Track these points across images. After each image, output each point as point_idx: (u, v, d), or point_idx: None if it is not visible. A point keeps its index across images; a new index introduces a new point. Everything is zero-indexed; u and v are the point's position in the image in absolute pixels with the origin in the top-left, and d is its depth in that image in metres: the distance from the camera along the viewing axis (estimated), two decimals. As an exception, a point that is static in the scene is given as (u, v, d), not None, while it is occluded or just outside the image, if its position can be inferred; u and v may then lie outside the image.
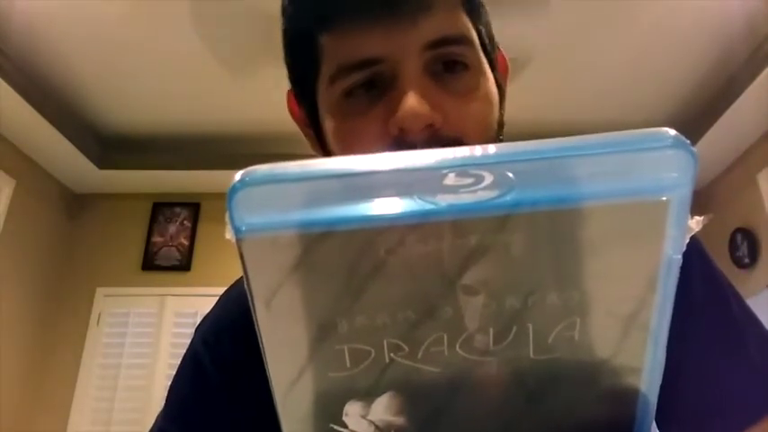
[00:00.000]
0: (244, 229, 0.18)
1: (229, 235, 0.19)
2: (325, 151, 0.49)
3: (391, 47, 0.42)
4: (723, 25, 2.42)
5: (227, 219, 0.18)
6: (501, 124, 0.48)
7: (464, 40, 0.45)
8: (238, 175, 0.18)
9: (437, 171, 0.18)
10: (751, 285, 2.79)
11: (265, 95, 2.76)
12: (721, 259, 2.99)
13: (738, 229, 3.01)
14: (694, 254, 0.47)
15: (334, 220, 0.18)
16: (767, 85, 2.51)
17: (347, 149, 0.45)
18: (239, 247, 0.19)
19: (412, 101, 0.41)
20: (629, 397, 0.22)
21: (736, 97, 2.64)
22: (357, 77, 0.44)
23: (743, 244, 2.98)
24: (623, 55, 2.60)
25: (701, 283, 0.46)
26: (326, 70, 0.45)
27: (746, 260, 2.93)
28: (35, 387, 3.01)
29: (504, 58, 0.54)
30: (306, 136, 0.53)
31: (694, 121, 2.95)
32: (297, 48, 0.49)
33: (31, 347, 3.05)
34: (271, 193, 0.18)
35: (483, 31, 0.48)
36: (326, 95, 0.46)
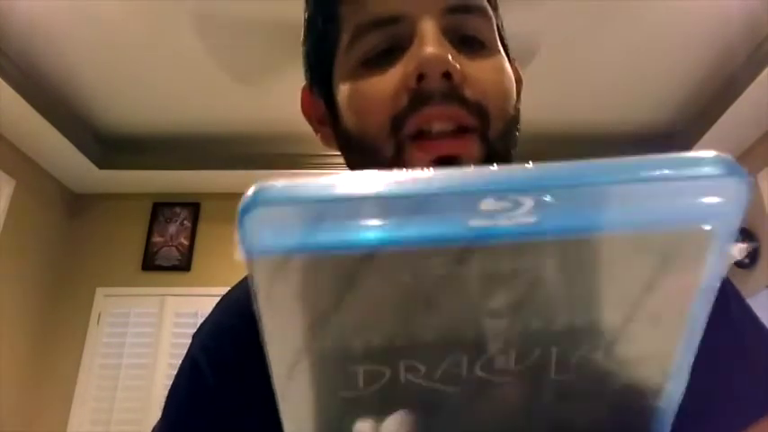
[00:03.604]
0: (256, 250, 0.17)
1: (239, 255, 0.17)
2: (340, 146, 0.49)
3: (410, 5, 0.43)
4: (723, 25, 2.42)
5: (236, 238, 0.17)
6: (517, 111, 0.48)
7: (484, 12, 0.45)
8: (250, 191, 0.17)
9: (470, 196, 0.17)
10: (751, 285, 2.79)
11: (266, 96, 2.76)
12: (721, 259, 2.98)
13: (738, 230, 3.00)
14: None
15: (356, 244, 0.17)
16: (767, 85, 2.51)
17: (362, 113, 0.44)
18: (250, 269, 0.18)
19: (432, 47, 0.41)
20: (649, 417, 0.22)
21: (736, 97, 2.64)
22: (375, 39, 0.44)
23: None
24: (623, 55, 2.59)
25: None
26: (345, 38, 0.46)
27: (746, 260, 2.93)
28: (35, 387, 3.00)
29: (517, 70, 0.54)
30: (316, 133, 0.53)
31: (694, 121, 2.95)
32: (317, 27, 0.50)
33: (31, 347, 3.04)
34: (286, 214, 0.17)
35: (500, 24, 0.49)
36: (344, 64, 0.46)
